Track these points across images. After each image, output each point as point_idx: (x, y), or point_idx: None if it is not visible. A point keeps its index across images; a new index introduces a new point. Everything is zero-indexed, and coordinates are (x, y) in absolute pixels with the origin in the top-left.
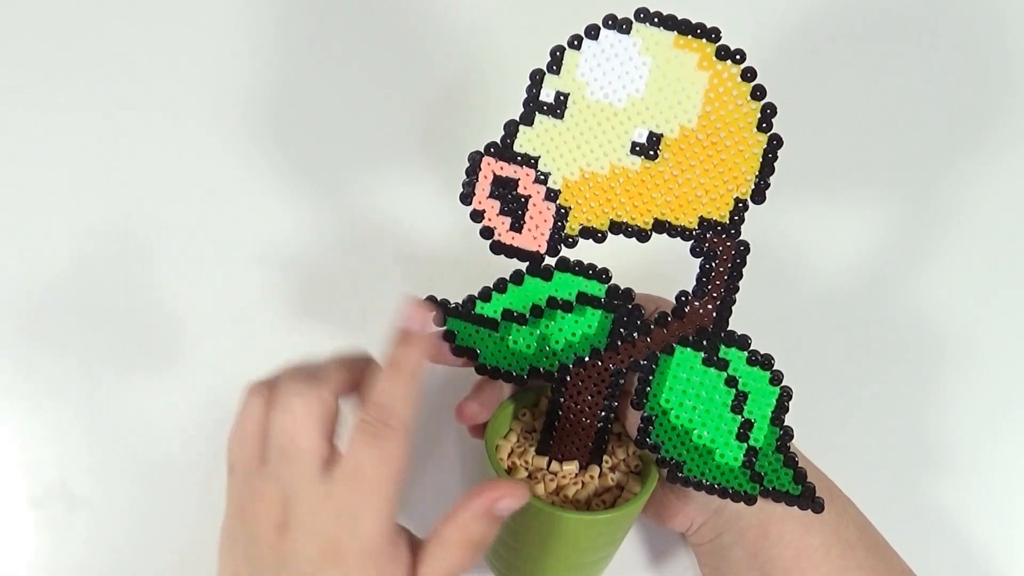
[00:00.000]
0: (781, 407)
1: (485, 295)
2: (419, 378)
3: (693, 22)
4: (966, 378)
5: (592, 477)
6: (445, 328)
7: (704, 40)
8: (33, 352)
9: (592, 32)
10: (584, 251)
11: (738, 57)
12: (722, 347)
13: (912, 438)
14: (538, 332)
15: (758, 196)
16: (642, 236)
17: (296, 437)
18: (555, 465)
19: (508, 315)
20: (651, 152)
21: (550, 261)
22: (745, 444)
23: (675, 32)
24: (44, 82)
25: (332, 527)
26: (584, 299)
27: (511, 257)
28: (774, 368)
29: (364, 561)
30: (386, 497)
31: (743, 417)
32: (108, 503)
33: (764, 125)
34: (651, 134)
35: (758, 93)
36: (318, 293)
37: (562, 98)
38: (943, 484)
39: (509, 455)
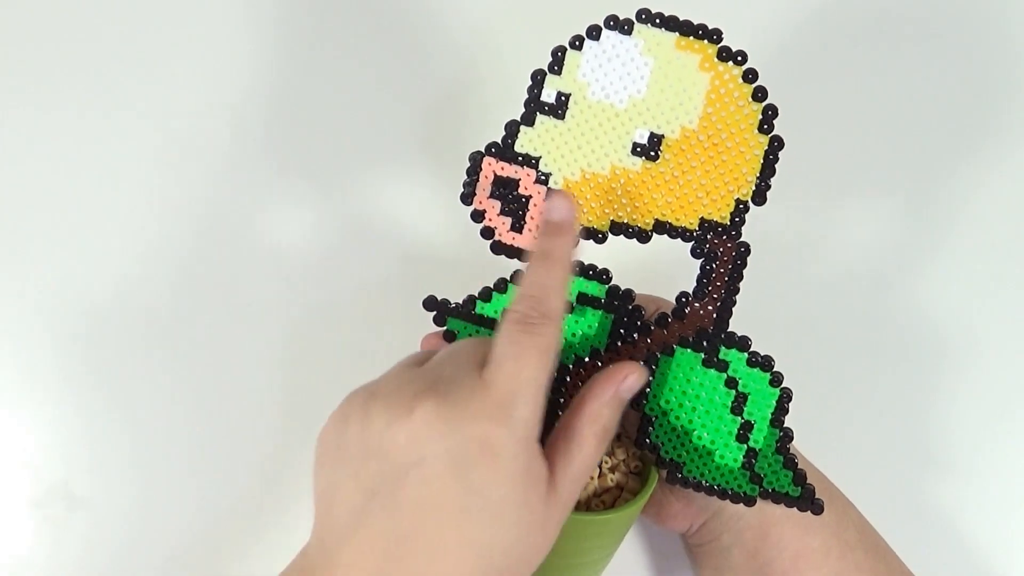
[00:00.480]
0: (781, 408)
1: (485, 295)
2: (570, 269)
3: (695, 23)
4: (966, 379)
5: (592, 477)
6: (445, 328)
7: (706, 41)
8: (34, 352)
9: (593, 33)
10: (585, 252)
11: (739, 58)
12: (722, 348)
13: (912, 439)
14: None
15: (759, 197)
16: (643, 237)
17: (464, 342)
18: None
19: None
20: (652, 153)
21: None
22: (745, 445)
23: (677, 33)
24: (45, 82)
25: (486, 420)
26: (584, 299)
27: (512, 257)
28: (774, 370)
29: (517, 454)
30: (540, 388)
31: (743, 418)
32: (108, 503)
33: (765, 127)
34: (652, 135)
35: (759, 95)
36: (319, 294)
37: (563, 98)
38: (943, 485)
39: None
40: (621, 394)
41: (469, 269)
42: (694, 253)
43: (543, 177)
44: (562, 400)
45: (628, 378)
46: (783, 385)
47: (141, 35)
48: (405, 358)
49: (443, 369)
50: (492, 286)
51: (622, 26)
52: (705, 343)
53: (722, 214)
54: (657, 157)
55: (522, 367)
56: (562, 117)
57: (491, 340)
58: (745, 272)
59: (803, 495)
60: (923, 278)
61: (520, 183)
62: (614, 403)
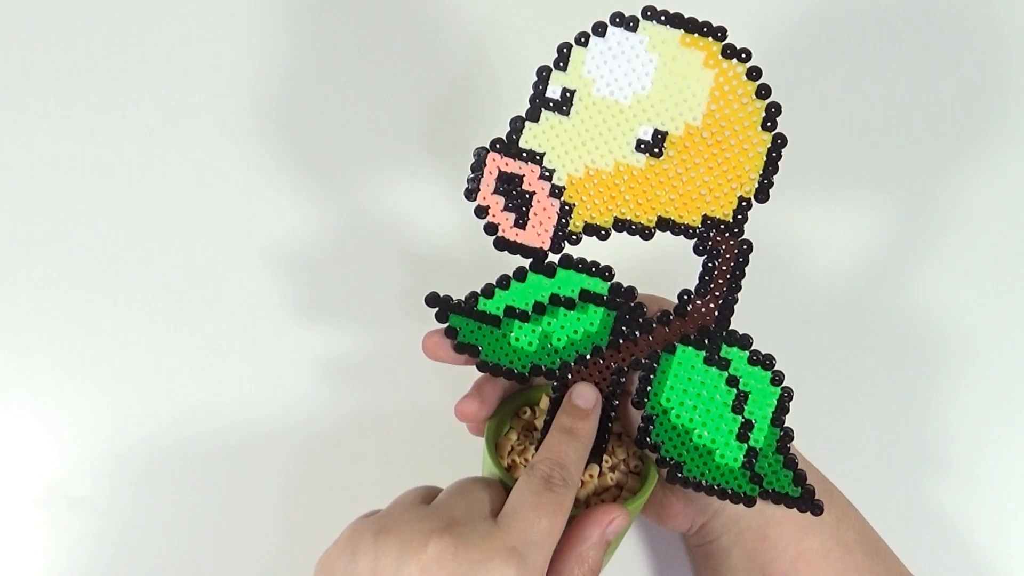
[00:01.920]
0: (782, 408)
1: (488, 291)
2: (590, 446)
3: (699, 20)
4: (967, 379)
5: (592, 476)
6: (447, 325)
7: (710, 38)
8: (34, 352)
9: (599, 29)
10: (588, 248)
11: (744, 56)
12: (724, 346)
13: (913, 439)
14: (540, 329)
15: (762, 195)
16: (646, 234)
17: (471, 484)
18: None
19: (510, 312)
20: (656, 150)
21: (553, 258)
22: (745, 445)
23: (681, 30)
24: (51, 80)
25: (501, 563)
26: (587, 296)
27: (515, 253)
28: (775, 368)
29: None
30: (554, 542)
31: (744, 417)
32: (108, 503)
33: (769, 124)
34: (656, 132)
35: (763, 92)
36: (322, 290)
37: (568, 95)
38: (943, 486)
39: (509, 453)
40: (607, 536)
41: (472, 265)
42: (697, 250)
43: (547, 173)
44: (563, 398)
45: (613, 521)
46: (784, 384)
47: (148, 32)
48: (409, 492)
49: (454, 509)
50: (495, 282)
51: (627, 23)
52: (707, 341)
53: (725, 211)
54: (661, 154)
55: (541, 518)
56: (567, 113)
57: (496, 485)
58: (747, 270)
59: (803, 496)
60: (924, 277)
61: (524, 179)
62: (600, 545)
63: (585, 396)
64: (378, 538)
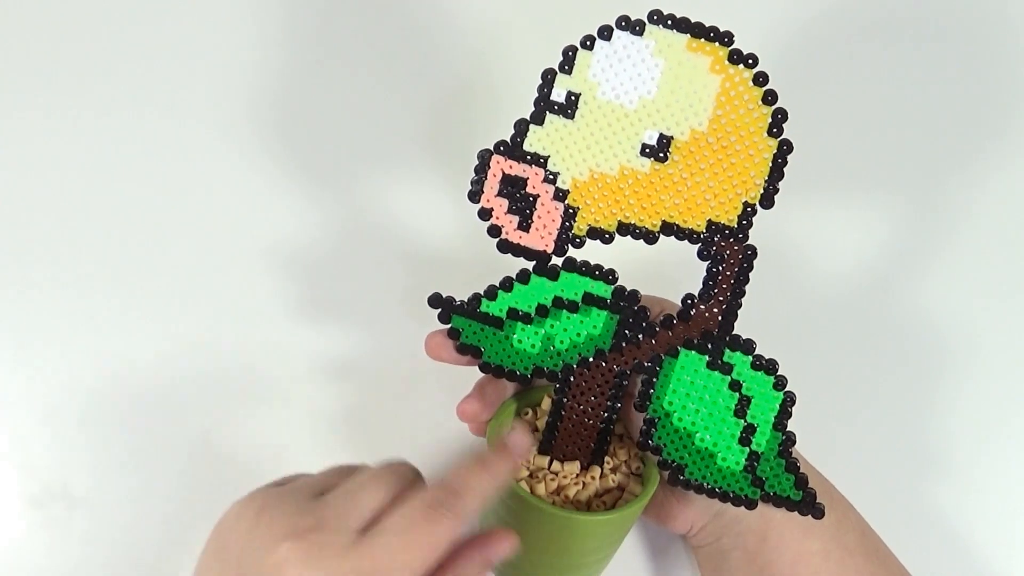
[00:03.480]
0: (784, 412)
1: (491, 293)
2: (498, 486)
3: (706, 25)
4: (967, 383)
5: (593, 478)
6: (450, 326)
7: (717, 44)
8: (34, 352)
9: (605, 33)
10: (591, 252)
11: (750, 61)
12: (727, 351)
13: (914, 442)
14: (543, 332)
15: (767, 201)
16: (650, 238)
17: (372, 480)
18: (556, 465)
19: (513, 314)
20: (661, 154)
21: (557, 261)
22: (747, 448)
23: (688, 35)
24: (50, 81)
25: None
26: (590, 300)
27: (518, 256)
28: (778, 373)
29: None
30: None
31: (746, 421)
32: (108, 503)
33: (775, 130)
34: (661, 136)
35: (769, 98)
36: (324, 291)
37: (573, 98)
38: (944, 489)
39: None
40: (490, 560)
41: (475, 268)
42: (701, 255)
43: (551, 176)
44: (565, 400)
45: (498, 547)
46: (787, 389)
47: (148, 34)
48: (327, 472)
49: (330, 509)
50: (498, 285)
51: (634, 27)
52: (710, 345)
53: (729, 217)
54: (666, 158)
55: (406, 548)
56: (572, 117)
57: (405, 477)
58: (751, 275)
59: (804, 499)
60: (925, 282)
61: (528, 182)
62: (480, 567)
63: (518, 443)
64: (259, 515)
